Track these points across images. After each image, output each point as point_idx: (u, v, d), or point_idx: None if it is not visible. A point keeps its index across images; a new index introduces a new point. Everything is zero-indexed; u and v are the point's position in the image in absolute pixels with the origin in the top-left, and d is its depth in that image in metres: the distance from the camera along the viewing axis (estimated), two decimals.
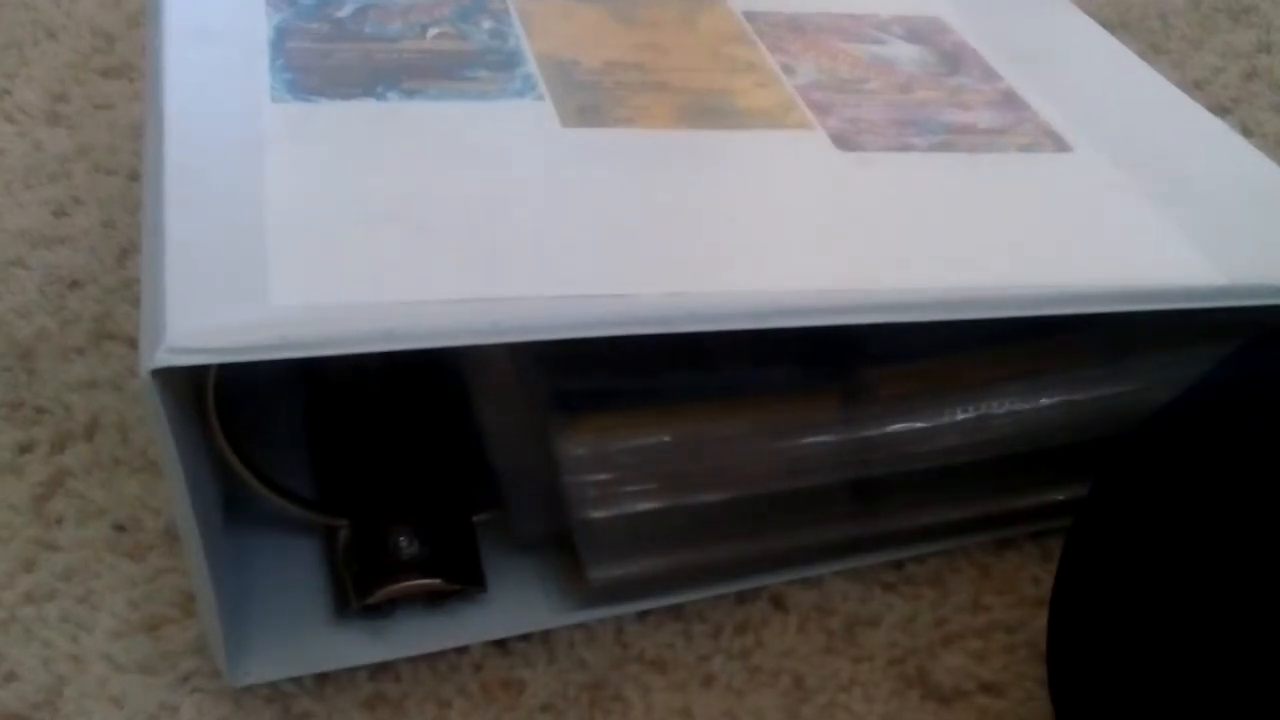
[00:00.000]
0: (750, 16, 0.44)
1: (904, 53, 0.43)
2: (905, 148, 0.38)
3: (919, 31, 0.45)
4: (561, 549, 0.37)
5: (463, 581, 0.36)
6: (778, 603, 0.37)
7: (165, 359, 0.27)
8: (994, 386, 0.37)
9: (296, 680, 0.35)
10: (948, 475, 0.38)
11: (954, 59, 0.43)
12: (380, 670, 0.35)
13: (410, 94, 0.37)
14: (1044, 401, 0.37)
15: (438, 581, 0.36)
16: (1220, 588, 0.27)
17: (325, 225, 0.31)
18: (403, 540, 0.37)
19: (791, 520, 0.37)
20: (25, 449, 0.41)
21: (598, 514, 0.35)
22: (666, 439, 0.36)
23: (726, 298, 0.31)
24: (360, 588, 0.36)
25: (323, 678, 0.35)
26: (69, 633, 0.36)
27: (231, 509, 0.37)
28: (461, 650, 0.36)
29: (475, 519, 0.38)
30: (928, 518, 0.38)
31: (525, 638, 0.36)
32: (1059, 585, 0.32)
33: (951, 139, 0.39)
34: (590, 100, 0.38)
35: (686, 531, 0.36)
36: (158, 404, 0.28)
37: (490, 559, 0.37)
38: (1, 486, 0.39)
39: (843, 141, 0.38)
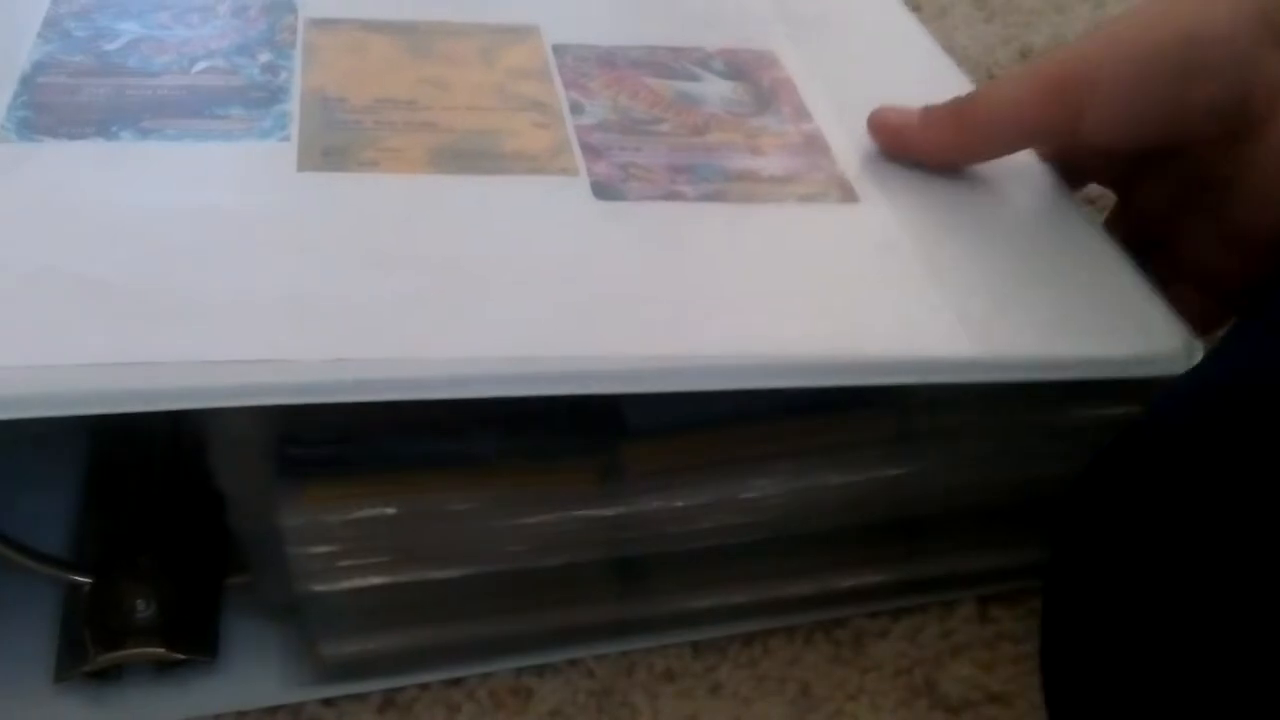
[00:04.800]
0: (559, 50, 0.40)
1: (715, 90, 0.39)
2: (670, 196, 0.35)
3: (742, 66, 0.41)
4: (302, 620, 0.35)
5: (190, 650, 0.34)
6: None
7: None
8: (760, 464, 0.34)
9: None
10: (731, 555, 0.34)
11: (768, 97, 0.39)
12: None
13: (145, 133, 0.35)
14: (817, 481, 0.34)
15: (160, 650, 0.34)
16: (1216, 587, 0.26)
17: None
18: (139, 603, 0.35)
19: (549, 600, 0.35)
20: None
21: (321, 587, 0.33)
22: (391, 511, 0.33)
23: (389, 365, 0.29)
24: (81, 652, 0.34)
25: None
26: None
27: None
28: None
29: (230, 581, 0.36)
30: (708, 600, 0.35)
31: None
32: (1050, 587, 0.31)
33: (726, 187, 0.35)
34: (340, 142, 0.35)
35: (429, 608, 0.34)
36: None
37: (240, 624, 0.35)
38: None
39: (603, 189, 0.35)
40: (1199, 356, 0.32)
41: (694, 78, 0.40)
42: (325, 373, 0.29)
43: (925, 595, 0.35)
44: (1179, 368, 0.32)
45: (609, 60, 0.40)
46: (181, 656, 0.34)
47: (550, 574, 0.34)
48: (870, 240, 0.34)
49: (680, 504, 0.33)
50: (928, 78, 0.41)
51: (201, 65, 0.38)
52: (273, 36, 0.39)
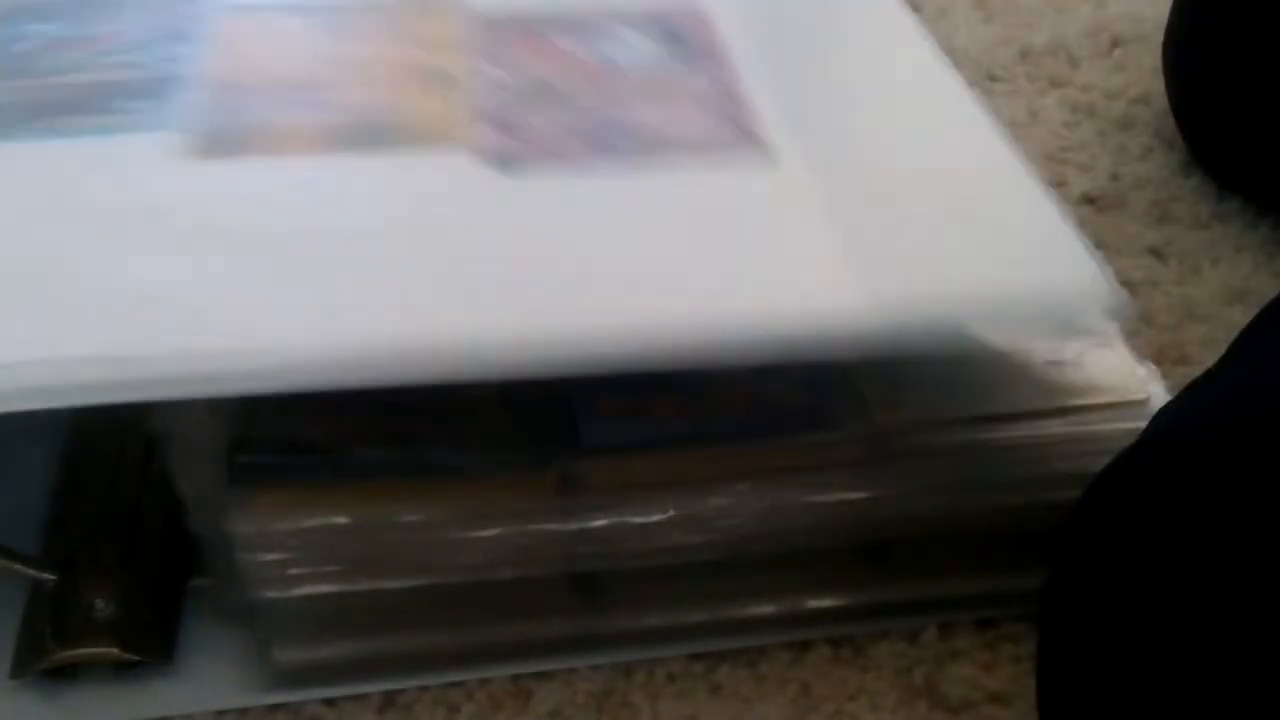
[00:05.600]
0: (486, 22, 0.39)
1: (637, 53, 0.39)
2: (576, 166, 0.34)
3: (672, 27, 0.40)
4: (257, 625, 0.34)
5: (144, 652, 0.34)
6: None
7: None
8: (719, 485, 0.34)
9: None
10: (695, 573, 0.35)
11: (694, 58, 0.38)
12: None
13: (40, 133, 0.35)
14: (779, 502, 0.34)
15: (114, 651, 0.34)
16: (1215, 602, 0.26)
17: None
18: (98, 602, 0.35)
19: (507, 613, 0.35)
20: None
21: (273, 593, 0.33)
22: (343, 520, 0.33)
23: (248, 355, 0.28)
24: (40, 649, 0.34)
25: None
26: None
27: None
28: None
29: (193, 584, 0.36)
30: (665, 618, 0.35)
31: None
32: (1048, 595, 0.30)
33: (636, 154, 0.35)
34: (234, 129, 0.35)
35: (382, 617, 0.34)
36: None
37: (202, 627, 0.35)
38: None
39: (504, 163, 0.34)
40: (1113, 295, 0.31)
41: (617, 40, 0.39)
42: (175, 366, 0.28)
43: (894, 620, 0.35)
44: (1090, 304, 0.31)
45: (530, 27, 0.39)
46: (135, 658, 0.34)
47: (506, 587, 0.34)
48: (782, 203, 0.34)
49: (638, 521, 0.33)
50: (873, 23, 0.40)
51: (105, 61, 0.37)
52: (181, 26, 0.38)
